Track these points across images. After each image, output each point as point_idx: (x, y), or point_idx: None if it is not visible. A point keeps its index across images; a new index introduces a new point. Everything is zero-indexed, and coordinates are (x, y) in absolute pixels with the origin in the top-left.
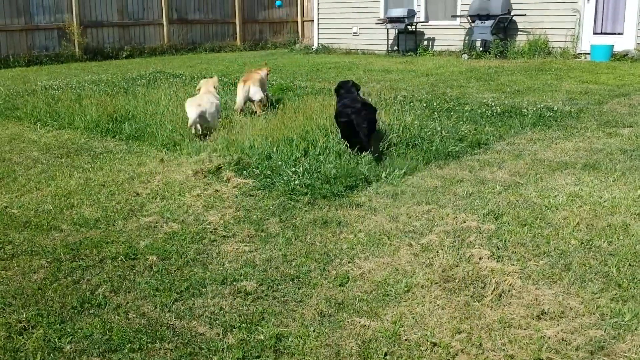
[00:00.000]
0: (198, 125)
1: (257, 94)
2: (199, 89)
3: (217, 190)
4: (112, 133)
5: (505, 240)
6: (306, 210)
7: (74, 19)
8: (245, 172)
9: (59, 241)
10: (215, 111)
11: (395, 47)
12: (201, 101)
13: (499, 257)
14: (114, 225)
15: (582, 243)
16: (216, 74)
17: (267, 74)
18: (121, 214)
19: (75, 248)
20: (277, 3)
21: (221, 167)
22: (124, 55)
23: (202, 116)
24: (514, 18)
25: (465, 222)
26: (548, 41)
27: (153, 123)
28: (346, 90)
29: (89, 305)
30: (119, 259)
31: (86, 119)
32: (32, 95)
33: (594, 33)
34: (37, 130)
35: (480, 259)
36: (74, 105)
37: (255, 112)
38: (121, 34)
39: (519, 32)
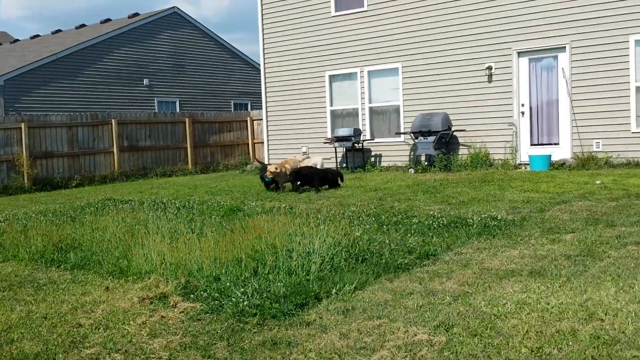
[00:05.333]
0: None
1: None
2: None
3: (163, 317)
4: (57, 263)
5: (456, 353)
6: (255, 332)
7: (24, 151)
8: (192, 295)
9: None
10: None
11: (344, 165)
12: None
13: None
14: (55, 359)
15: (532, 351)
16: (168, 197)
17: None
18: (62, 347)
19: None
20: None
21: (167, 292)
22: (73, 184)
23: None
24: (454, 133)
25: (416, 335)
26: (489, 153)
27: (99, 251)
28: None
29: None
30: None
31: (31, 249)
32: None
33: (532, 144)
34: None
35: None
36: (18, 236)
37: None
38: (71, 163)
39: (460, 146)
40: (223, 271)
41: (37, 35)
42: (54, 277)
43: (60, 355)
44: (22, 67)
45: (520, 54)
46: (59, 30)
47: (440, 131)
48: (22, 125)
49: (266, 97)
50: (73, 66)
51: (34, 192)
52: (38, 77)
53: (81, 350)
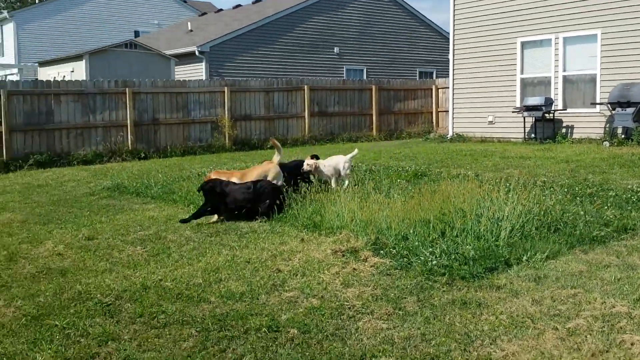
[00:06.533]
0: None
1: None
2: None
3: (354, 269)
4: None
5: None
6: (444, 291)
7: (226, 113)
8: (382, 251)
9: (207, 312)
10: None
11: (532, 135)
12: None
13: None
14: (258, 299)
15: None
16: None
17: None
18: (264, 289)
19: (222, 319)
20: None
21: (358, 247)
22: (268, 146)
23: None
24: None
25: (614, 307)
26: None
27: (294, 205)
28: None
29: None
30: (262, 330)
31: None
32: (186, 180)
33: None
34: (190, 212)
35: (632, 344)
36: None
37: None
38: (266, 126)
39: None
40: (411, 231)
41: (239, 5)
42: (254, 227)
43: (263, 296)
44: (225, 35)
45: None
46: (258, 0)
47: None
48: (225, 89)
49: (454, 65)
50: (270, 34)
51: (234, 151)
52: (239, 45)
53: (281, 293)
